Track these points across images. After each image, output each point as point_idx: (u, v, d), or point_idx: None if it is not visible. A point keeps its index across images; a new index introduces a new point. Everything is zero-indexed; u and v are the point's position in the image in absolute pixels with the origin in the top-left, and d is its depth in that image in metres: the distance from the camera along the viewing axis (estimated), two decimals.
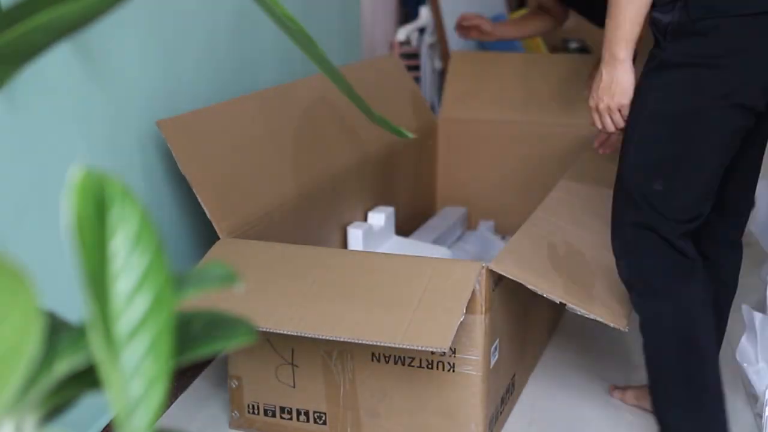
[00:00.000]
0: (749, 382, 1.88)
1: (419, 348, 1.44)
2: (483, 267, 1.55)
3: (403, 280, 1.56)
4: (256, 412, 1.77)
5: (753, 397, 1.88)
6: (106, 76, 1.69)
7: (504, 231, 2.79)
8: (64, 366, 0.44)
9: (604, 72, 1.56)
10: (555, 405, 1.92)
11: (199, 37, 2.01)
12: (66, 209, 0.43)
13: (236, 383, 1.77)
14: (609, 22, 1.54)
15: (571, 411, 1.90)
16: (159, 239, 0.46)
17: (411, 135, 0.76)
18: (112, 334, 0.43)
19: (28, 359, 0.40)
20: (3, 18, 0.47)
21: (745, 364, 1.86)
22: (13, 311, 0.40)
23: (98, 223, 0.44)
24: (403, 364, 1.66)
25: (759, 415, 1.81)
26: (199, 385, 1.98)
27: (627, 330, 1.57)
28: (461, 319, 1.46)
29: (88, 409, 1.62)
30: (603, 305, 1.60)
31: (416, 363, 1.65)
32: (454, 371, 1.63)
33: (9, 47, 0.47)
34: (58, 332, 0.47)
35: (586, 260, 1.76)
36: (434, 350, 1.43)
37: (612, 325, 1.55)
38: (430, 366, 1.64)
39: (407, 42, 3.66)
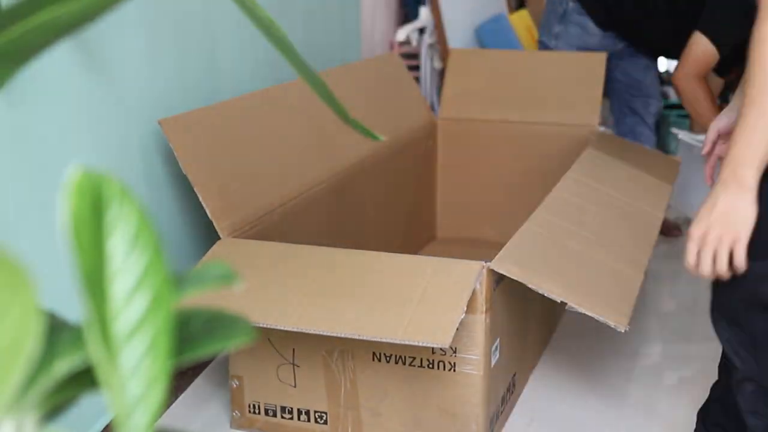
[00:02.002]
0: None
1: (420, 344, 1.44)
2: (484, 266, 1.55)
3: (404, 279, 1.56)
4: (257, 411, 1.77)
5: None
6: (107, 75, 1.69)
7: (504, 231, 2.79)
8: (64, 366, 0.44)
9: (722, 195, 1.23)
10: (555, 404, 1.92)
11: (199, 37, 2.01)
12: (62, 209, 0.43)
13: (237, 383, 1.77)
14: (741, 136, 1.22)
15: (571, 410, 1.89)
16: (158, 239, 0.46)
17: (382, 137, 0.77)
18: (111, 334, 0.43)
19: (28, 356, 0.40)
20: (3, 18, 0.47)
21: None
22: (13, 308, 0.40)
23: (95, 223, 0.44)
24: (404, 364, 1.66)
25: None
26: (199, 385, 1.98)
27: (626, 330, 1.55)
28: (462, 316, 1.46)
29: (88, 409, 1.62)
30: (604, 304, 1.60)
31: (417, 362, 1.65)
32: (454, 371, 1.63)
33: (9, 47, 0.47)
34: (58, 332, 0.47)
35: (587, 260, 1.76)
36: (435, 346, 1.43)
37: (612, 324, 1.53)
38: (430, 365, 1.64)
39: (407, 42, 3.66)
